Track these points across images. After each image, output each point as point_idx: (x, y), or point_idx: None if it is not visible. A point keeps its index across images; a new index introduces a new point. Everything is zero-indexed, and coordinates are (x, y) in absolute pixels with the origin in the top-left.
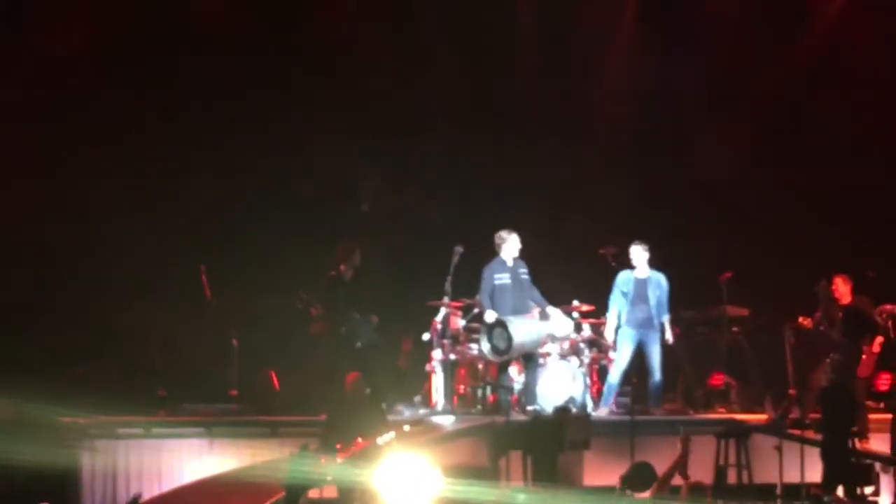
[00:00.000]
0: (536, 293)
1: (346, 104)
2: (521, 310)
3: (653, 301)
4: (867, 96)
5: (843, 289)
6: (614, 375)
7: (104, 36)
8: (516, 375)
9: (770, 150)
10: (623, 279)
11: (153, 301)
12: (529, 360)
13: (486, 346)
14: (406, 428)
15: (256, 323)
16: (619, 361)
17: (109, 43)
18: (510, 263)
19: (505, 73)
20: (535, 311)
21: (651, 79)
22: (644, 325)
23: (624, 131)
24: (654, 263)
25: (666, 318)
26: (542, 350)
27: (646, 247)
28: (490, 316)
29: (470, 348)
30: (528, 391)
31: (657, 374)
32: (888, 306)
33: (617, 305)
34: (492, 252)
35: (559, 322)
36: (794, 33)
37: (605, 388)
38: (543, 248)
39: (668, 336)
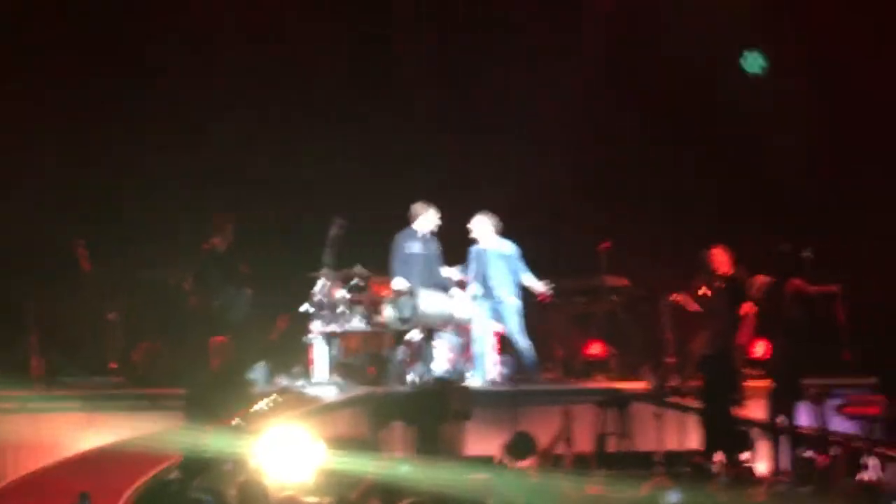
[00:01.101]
0: (441, 275)
1: (223, 78)
2: (427, 285)
3: (497, 271)
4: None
5: (721, 258)
6: (478, 347)
7: None
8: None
9: (648, 119)
10: (473, 253)
11: (30, 274)
12: (428, 333)
13: (390, 313)
14: (275, 397)
15: (135, 296)
16: (480, 334)
17: None
18: (421, 235)
19: (386, 47)
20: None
21: (521, 44)
22: (491, 295)
23: (499, 99)
24: (506, 233)
25: (527, 278)
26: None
27: (487, 216)
28: (399, 283)
29: (350, 319)
30: (426, 362)
31: (520, 340)
32: (761, 277)
33: (472, 278)
34: (367, 224)
35: (463, 305)
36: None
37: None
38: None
39: (540, 288)
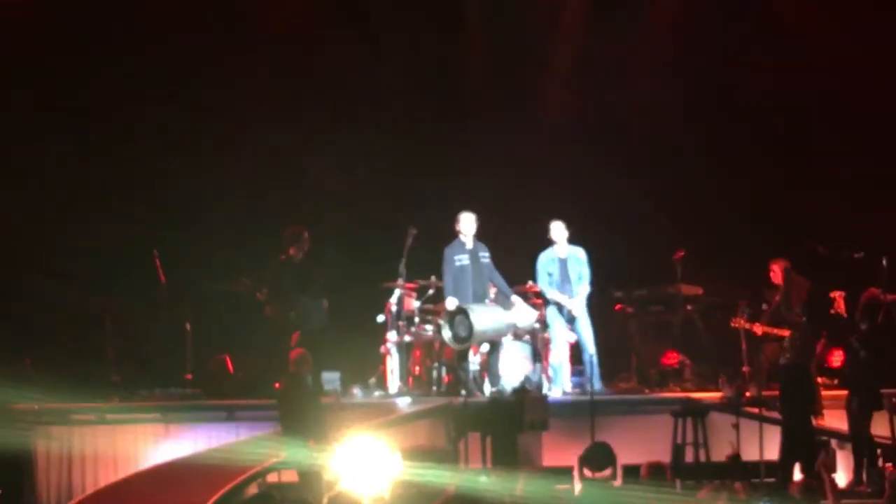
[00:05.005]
0: (500, 279)
1: (291, 89)
2: (481, 294)
3: (574, 277)
4: (816, 76)
5: (775, 272)
6: (555, 357)
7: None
8: (471, 357)
9: (722, 126)
10: (545, 260)
11: (107, 286)
12: (492, 345)
13: (447, 334)
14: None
15: (209, 307)
16: (555, 342)
17: (64, 19)
18: (469, 245)
19: (451, 56)
20: (493, 294)
21: (598, 59)
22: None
23: (572, 111)
24: (573, 239)
25: (583, 288)
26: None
27: (565, 224)
28: (451, 303)
29: (425, 329)
30: (492, 374)
31: (590, 348)
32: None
33: (547, 285)
34: (448, 233)
35: (523, 312)
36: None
37: (550, 371)
38: (495, 228)
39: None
